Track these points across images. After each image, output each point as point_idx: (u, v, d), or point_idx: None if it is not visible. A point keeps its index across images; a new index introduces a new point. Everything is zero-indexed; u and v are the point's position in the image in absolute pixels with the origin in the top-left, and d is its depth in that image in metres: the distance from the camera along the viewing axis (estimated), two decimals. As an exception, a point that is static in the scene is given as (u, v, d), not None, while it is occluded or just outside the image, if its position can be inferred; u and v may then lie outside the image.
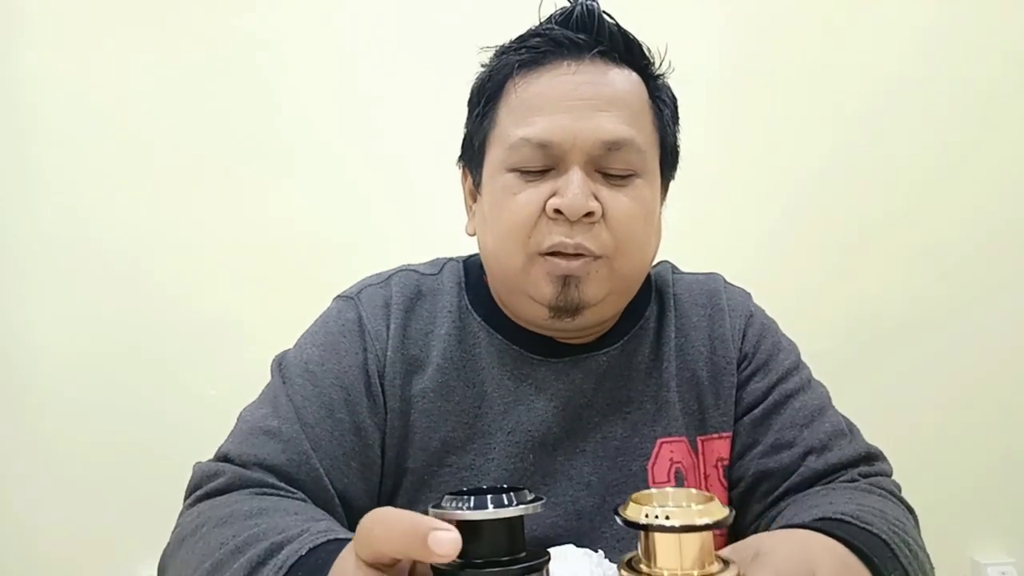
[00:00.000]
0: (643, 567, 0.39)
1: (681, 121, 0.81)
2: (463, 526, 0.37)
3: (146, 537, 1.25)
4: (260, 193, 1.61)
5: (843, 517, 0.60)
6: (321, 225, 1.62)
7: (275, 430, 0.72)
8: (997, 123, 1.75)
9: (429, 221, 1.60)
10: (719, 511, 0.38)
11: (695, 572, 0.37)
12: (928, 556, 0.64)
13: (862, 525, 0.59)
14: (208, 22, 1.60)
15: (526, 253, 0.71)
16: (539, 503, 0.39)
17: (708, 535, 0.38)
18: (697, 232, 1.35)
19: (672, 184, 0.83)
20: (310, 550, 0.52)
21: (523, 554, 0.39)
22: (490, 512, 0.37)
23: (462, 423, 0.76)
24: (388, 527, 0.39)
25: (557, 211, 0.69)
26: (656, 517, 0.37)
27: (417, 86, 1.65)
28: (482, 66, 0.79)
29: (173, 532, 0.68)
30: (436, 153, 1.58)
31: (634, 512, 0.39)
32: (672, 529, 0.37)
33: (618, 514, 0.40)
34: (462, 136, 0.82)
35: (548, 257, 0.70)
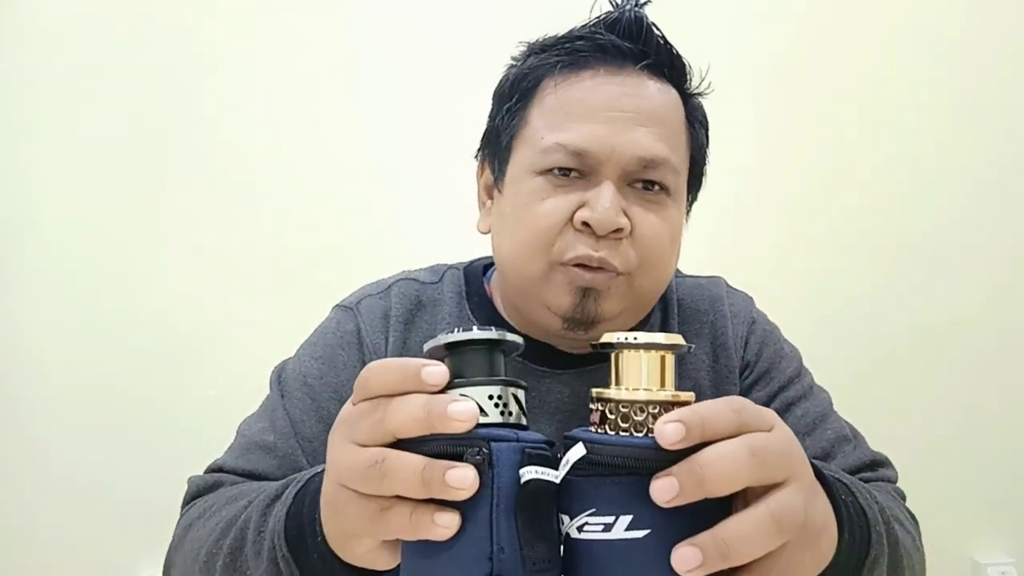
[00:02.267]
0: (611, 388, 0.42)
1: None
2: (451, 349, 0.42)
3: (146, 537, 1.26)
4: (260, 194, 1.60)
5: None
6: (321, 226, 1.61)
7: (271, 445, 0.72)
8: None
9: (428, 224, 1.60)
10: (680, 340, 0.42)
11: (655, 387, 0.41)
12: (920, 551, 0.62)
13: (828, 471, 0.55)
14: (209, 25, 1.59)
15: (547, 261, 0.68)
16: (519, 339, 0.44)
17: (671, 363, 0.42)
18: (697, 233, 1.34)
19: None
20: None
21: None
22: (474, 333, 0.42)
23: None
24: (383, 372, 0.41)
25: (585, 223, 0.66)
26: (624, 338, 0.41)
27: (415, 90, 1.64)
28: (512, 59, 0.76)
29: (175, 530, 0.67)
30: (436, 156, 1.59)
31: (606, 338, 0.43)
32: (636, 346, 0.41)
33: (593, 345, 0.43)
34: (484, 128, 0.79)
35: (570, 267, 0.68)
